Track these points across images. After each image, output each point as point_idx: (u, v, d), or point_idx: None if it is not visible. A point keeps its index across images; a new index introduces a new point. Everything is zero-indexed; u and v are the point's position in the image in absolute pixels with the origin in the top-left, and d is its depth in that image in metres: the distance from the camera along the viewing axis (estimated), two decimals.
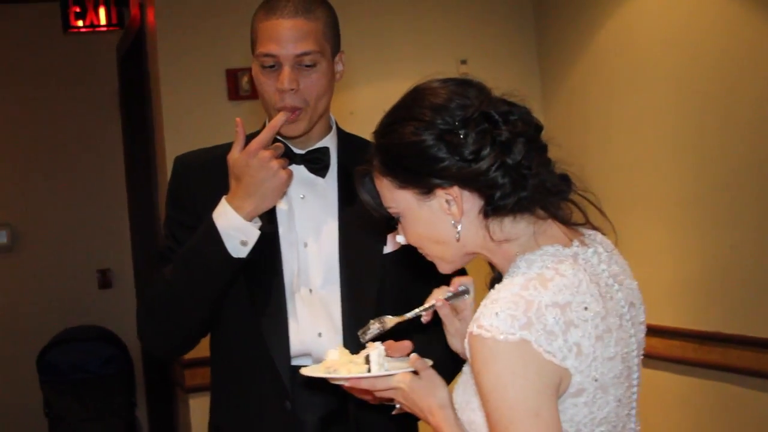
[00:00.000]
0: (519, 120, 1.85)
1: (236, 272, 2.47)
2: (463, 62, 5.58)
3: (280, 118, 2.40)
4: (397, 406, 2.05)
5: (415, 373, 1.98)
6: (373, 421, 2.50)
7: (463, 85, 1.89)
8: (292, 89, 2.43)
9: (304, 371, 2.18)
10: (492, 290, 1.80)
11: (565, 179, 1.90)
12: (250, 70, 5.23)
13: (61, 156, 7.27)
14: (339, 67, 2.55)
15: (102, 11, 6.76)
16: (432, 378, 1.95)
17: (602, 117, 5.12)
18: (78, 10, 6.71)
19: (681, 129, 4.52)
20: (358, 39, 5.33)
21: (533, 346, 1.70)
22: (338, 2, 2.60)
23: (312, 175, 2.58)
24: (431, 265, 2.44)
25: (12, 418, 7.12)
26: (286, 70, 2.42)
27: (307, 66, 2.44)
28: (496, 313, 1.71)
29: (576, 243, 1.87)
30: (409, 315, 2.14)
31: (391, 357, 2.15)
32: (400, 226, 1.98)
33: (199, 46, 5.31)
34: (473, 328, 1.74)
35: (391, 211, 1.96)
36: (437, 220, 1.88)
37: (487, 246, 1.89)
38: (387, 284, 2.51)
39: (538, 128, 1.89)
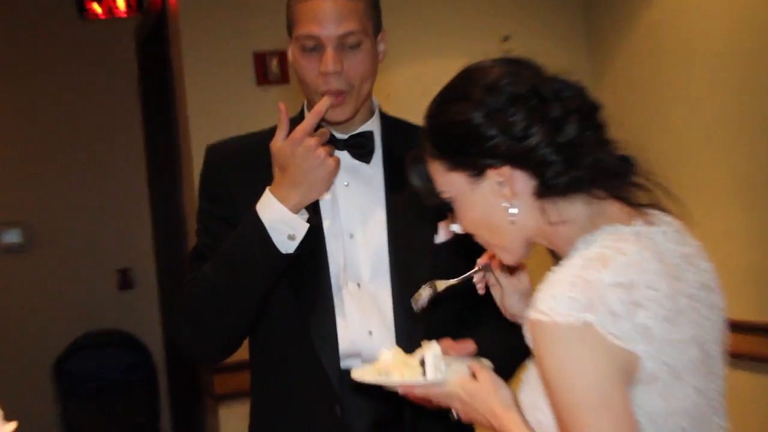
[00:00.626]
0: (572, 97, 1.90)
1: (283, 269, 2.45)
2: (506, 39, 5.52)
3: (324, 103, 2.42)
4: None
5: (473, 376, 2.00)
6: (431, 428, 2.48)
7: (515, 64, 1.94)
8: (337, 72, 2.44)
9: (355, 374, 2.19)
10: (549, 274, 1.81)
11: (626, 160, 1.93)
12: (279, 53, 5.33)
13: (76, 149, 7.25)
14: (381, 47, 2.56)
15: None
16: (491, 380, 1.97)
17: (657, 95, 5.05)
18: None
19: (744, 105, 4.46)
20: (393, 17, 5.25)
21: (597, 328, 1.70)
22: None
23: (356, 161, 2.59)
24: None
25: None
26: (330, 51, 2.43)
27: (351, 47, 2.46)
28: (554, 296, 1.74)
29: (639, 222, 1.89)
30: (459, 279, 2.21)
31: (450, 357, 2.16)
32: (454, 213, 2.02)
33: (224, 29, 5.29)
34: (531, 313, 1.76)
35: (444, 196, 2.00)
36: (490, 204, 1.92)
37: (544, 230, 1.92)
38: (440, 276, 2.45)
39: (594, 107, 1.93)
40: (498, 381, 1.97)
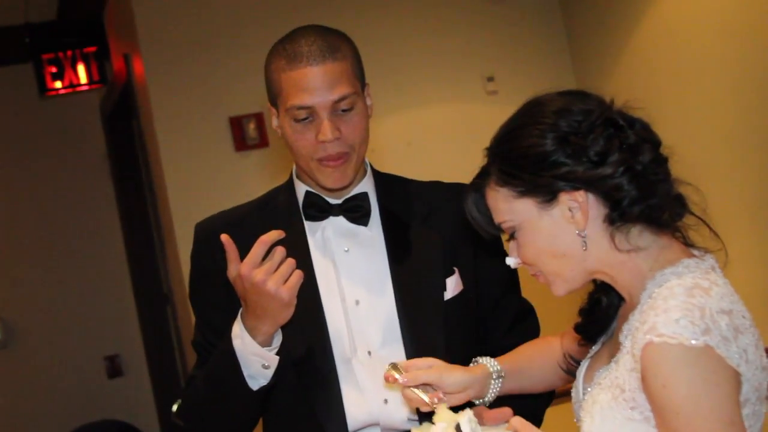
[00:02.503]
0: (642, 129, 1.99)
1: (266, 395, 2.47)
2: (490, 79, 5.61)
3: (273, 235, 2.34)
4: None
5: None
6: None
7: (581, 94, 2.04)
8: (336, 138, 2.44)
9: None
10: (649, 302, 1.89)
11: (681, 198, 2.01)
12: (255, 116, 5.39)
13: (51, 236, 7.27)
14: (368, 101, 2.56)
15: (81, 68, 6.80)
16: None
17: (648, 118, 5.13)
18: (54, 70, 6.75)
19: (741, 125, 4.52)
20: (372, 69, 5.32)
21: (716, 351, 1.79)
22: (347, 30, 2.58)
23: (353, 225, 2.58)
24: (494, 306, 2.58)
25: None
26: (325, 120, 2.43)
27: (345, 110, 2.45)
28: (677, 320, 1.80)
29: (704, 256, 2.00)
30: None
31: (487, 426, 2.18)
32: (513, 244, 2.07)
33: (196, 95, 5.34)
34: (652, 338, 1.81)
35: (506, 225, 2.05)
36: (559, 231, 1.99)
37: (612, 259, 1.99)
38: (452, 333, 2.50)
39: (659, 142, 2.01)
40: None
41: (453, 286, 2.53)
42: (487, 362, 2.34)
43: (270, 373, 2.43)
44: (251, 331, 2.39)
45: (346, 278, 2.57)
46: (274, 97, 2.52)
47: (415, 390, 2.24)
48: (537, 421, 2.41)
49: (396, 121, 5.51)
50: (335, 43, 2.47)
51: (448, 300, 2.54)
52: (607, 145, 1.94)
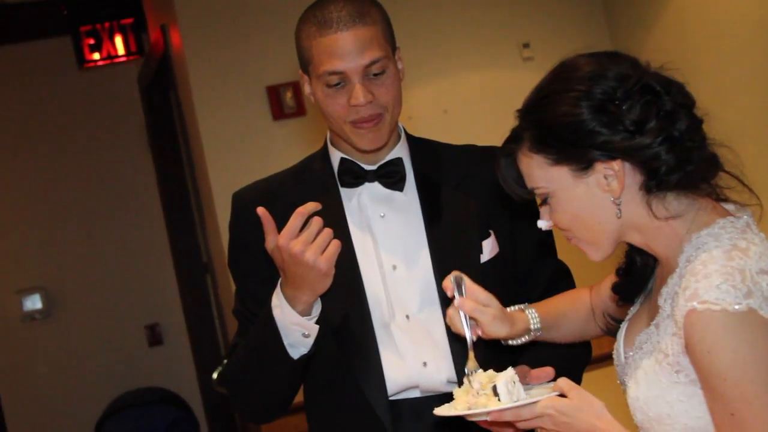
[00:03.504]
0: (678, 92, 1.97)
1: (307, 363, 2.51)
2: (526, 46, 5.63)
3: (310, 206, 2.36)
4: None
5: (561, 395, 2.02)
6: None
7: (614, 57, 2.00)
8: (369, 102, 2.46)
9: (438, 412, 2.18)
10: (688, 267, 1.89)
11: (714, 157, 2.00)
12: (293, 84, 5.43)
13: (90, 205, 7.37)
14: (400, 65, 2.57)
15: (119, 40, 6.84)
16: (585, 396, 2.00)
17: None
18: (92, 42, 6.80)
19: None
20: (409, 36, 5.25)
21: (760, 313, 1.79)
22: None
23: (388, 191, 2.61)
24: (530, 269, 2.58)
25: None
26: (357, 84, 2.45)
27: (377, 74, 2.47)
28: (718, 285, 1.80)
29: (740, 214, 1.98)
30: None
31: (528, 384, 2.19)
32: (545, 209, 2.07)
33: (233, 65, 5.38)
34: (694, 304, 1.82)
35: (539, 192, 2.05)
36: (594, 199, 1.98)
37: (647, 226, 1.99)
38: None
39: (693, 102, 1.99)
40: (589, 396, 2.00)
41: (489, 248, 2.56)
42: (530, 317, 2.36)
43: (310, 341, 2.47)
44: (291, 301, 2.43)
45: (382, 244, 2.59)
46: (306, 64, 2.54)
47: (460, 315, 2.26)
48: (576, 376, 2.43)
49: (432, 89, 5.53)
50: (364, 8, 2.49)
51: (485, 263, 2.56)
52: (644, 113, 1.92)
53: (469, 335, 2.27)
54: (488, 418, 2.09)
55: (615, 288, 2.26)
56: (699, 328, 1.82)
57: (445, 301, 2.50)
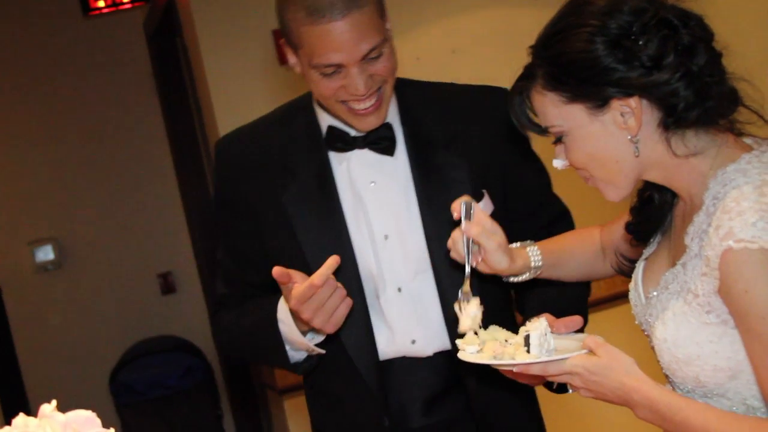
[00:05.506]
0: (697, 25, 1.93)
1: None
2: None
3: (332, 262, 2.30)
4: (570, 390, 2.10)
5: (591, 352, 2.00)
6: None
7: None
8: (368, 89, 2.37)
9: (462, 356, 2.14)
10: (721, 204, 1.86)
11: (733, 91, 1.96)
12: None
13: (99, 155, 7.35)
14: (388, 25, 2.44)
15: None
16: (612, 352, 1.96)
17: None
18: None
19: None
20: None
21: None
22: None
23: (379, 156, 2.54)
24: (527, 215, 2.57)
25: None
26: (355, 74, 2.33)
27: (373, 58, 2.36)
28: (754, 223, 1.79)
29: (765, 147, 1.96)
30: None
31: (557, 334, 2.17)
32: (560, 148, 2.05)
33: (238, 9, 5.33)
34: (730, 243, 1.80)
35: (554, 130, 2.02)
36: (610, 137, 1.96)
37: (666, 164, 1.97)
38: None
39: (712, 35, 1.95)
40: (618, 353, 1.97)
41: (483, 208, 2.45)
42: (531, 255, 2.34)
43: (314, 361, 2.52)
44: (297, 320, 2.44)
45: (373, 212, 2.55)
46: (294, 45, 2.40)
47: (464, 240, 2.25)
48: (584, 315, 2.42)
49: (440, 29, 5.48)
50: None
51: None
52: (661, 48, 1.89)
53: (469, 262, 2.25)
54: (515, 369, 2.08)
55: (629, 227, 2.24)
56: (736, 267, 1.81)
57: (439, 270, 2.49)
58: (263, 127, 2.65)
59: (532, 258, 2.34)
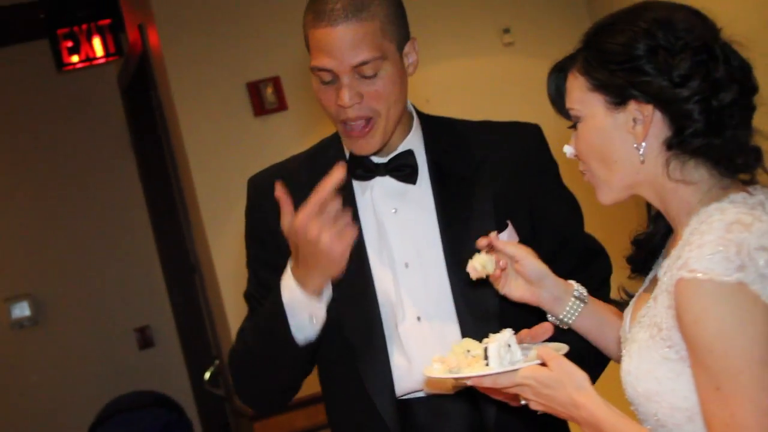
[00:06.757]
0: (739, 68, 1.97)
1: (313, 354, 2.50)
2: (506, 31, 5.60)
3: (337, 175, 2.26)
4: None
5: (544, 365, 1.99)
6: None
7: (696, 14, 2.01)
8: (355, 104, 2.36)
9: (426, 372, 2.14)
10: (687, 236, 1.88)
11: (757, 151, 1.98)
12: (273, 80, 5.44)
13: (75, 210, 7.36)
14: (411, 59, 2.47)
15: (97, 42, 6.86)
16: (564, 365, 1.97)
17: None
18: (70, 44, 6.83)
19: None
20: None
21: (751, 288, 1.78)
22: None
23: (401, 184, 2.52)
24: (557, 250, 2.52)
25: None
26: (345, 84, 2.35)
27: (367, 76, 2.36)
28: (710, 256, 1.79)
29: (757, 192, 1.95)
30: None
31: (530, 344, 2.17)
32: (575, 134, 2.09)
33: (212, 62, 5.39)
34: (683, 273, 1.81)
35: (572, 113, 2.08)
36: (617, 136, 2.00)
37: (660, 184, 1.99)
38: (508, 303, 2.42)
39: (754, 88, 1.99)
40: (570, 366, 1.97)
41: (507, 239, 2.46)
42: (573, 283, 2.35)
43: (317, 328, 2.43)
44: (301, 282, 2.38)
45: (394, 240, 2.53)
46: (308, 49, 2.45)
47: (489, 255, 2.27)
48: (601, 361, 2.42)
49: (413, 79, 5.46)
50: (364, 0, 2.36)
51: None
52: (692, 69, 1.93)
53: (492, 267, 2.29)
54: (468, 383, 2.09)
55: (629, 259, 2.25)
56: (686, 297, 1.82)
57: (459, 302, 2.47)
58: (294, 164, 2.65)
59: (575, 284, 2.35)
